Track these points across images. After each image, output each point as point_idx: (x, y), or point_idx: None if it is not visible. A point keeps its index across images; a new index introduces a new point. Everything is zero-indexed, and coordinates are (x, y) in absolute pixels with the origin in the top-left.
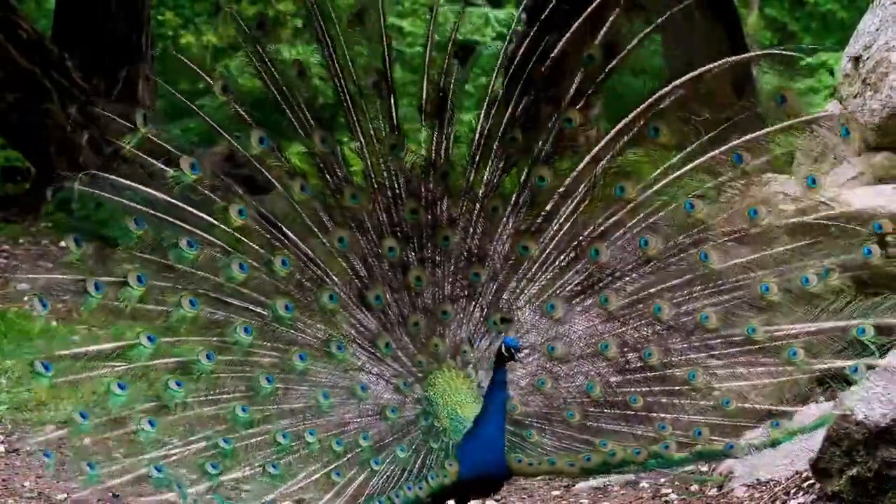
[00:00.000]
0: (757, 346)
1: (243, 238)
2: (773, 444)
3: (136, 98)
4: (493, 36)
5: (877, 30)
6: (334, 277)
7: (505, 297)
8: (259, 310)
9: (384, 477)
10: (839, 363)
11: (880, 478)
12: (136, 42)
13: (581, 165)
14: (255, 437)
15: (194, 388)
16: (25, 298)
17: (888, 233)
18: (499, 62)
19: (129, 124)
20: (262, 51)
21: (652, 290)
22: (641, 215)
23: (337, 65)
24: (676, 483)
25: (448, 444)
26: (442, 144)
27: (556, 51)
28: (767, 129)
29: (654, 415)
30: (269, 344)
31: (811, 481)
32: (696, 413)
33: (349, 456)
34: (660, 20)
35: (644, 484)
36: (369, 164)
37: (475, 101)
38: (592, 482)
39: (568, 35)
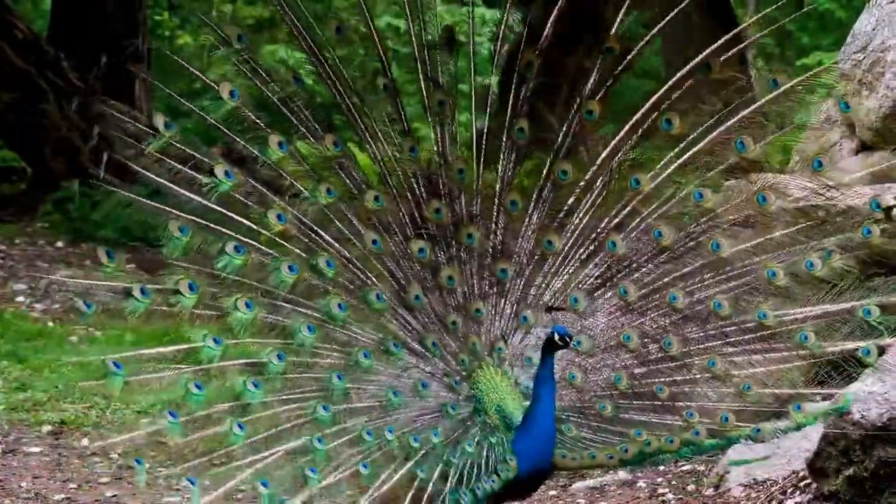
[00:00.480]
0: (769, 332)
1: (284, 243)
2: (798, 427)
3: (133, 99)
4: (489, 36)
5: (873, 29)
6: (374, 279)
7: (532, 292)
8: (312, 312)
9: (459, 471)
10: (850, 345)
11: (877, 477)
12: (133, 43)
13: (600, 158)
14: (343, 436)
15: (271, 388)
16: (20, 299)
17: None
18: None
19: (146, 128)
20: (250, 60)
21: (666, 280)
22: (654, 205)
23: (329, 69)
24: (673, 483)
25: (503, 440)
26: (445, 140)
27: (547, 29)
28: (768, 97)
29: (681, 403)
30: (330, 345)
31: (808, 481)
32: (720, 400)
33: (424, 452)
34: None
35: (641, 483)
36: (384, 167)
37: (477, 100)
38: (589, 482)
39: (555, 13)
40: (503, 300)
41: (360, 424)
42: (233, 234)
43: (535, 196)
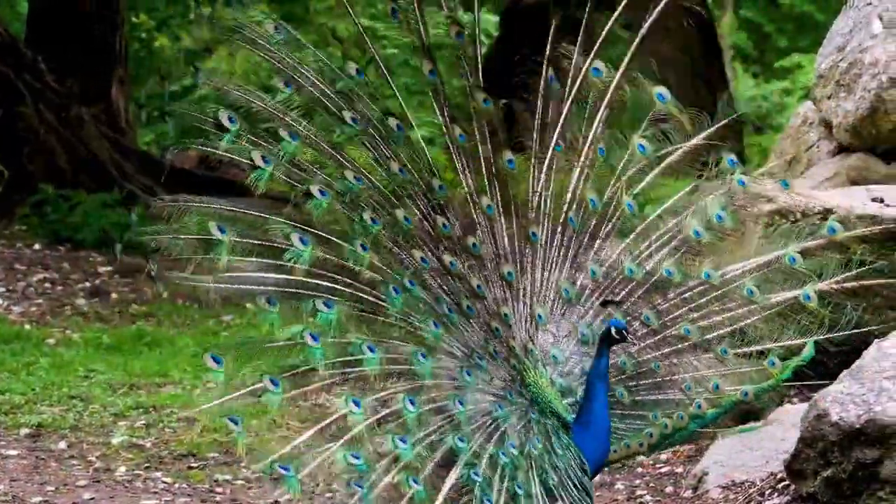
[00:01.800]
0: (719, 292)
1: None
2: (777, 383)
3: (110, 100)
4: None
5: (850, 31)
6: (441, 294)
7: (532, 288)
8: (406, 344)
9: (565, 480)
10: (790, 294)
11: (855, 479)
12: (111, 45)
13: (553, 140)
14: (481, 462)
15: (414, 438)
16: (5, 303)
17: None
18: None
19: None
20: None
21: (615, 254)
22: (581, 171)
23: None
24: (651, 485)
25: (568, 442)
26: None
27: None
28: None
29: (677, 377)
30: (441, 369)
31: (786, 482)
32: (705, 367)
33: (537, 462)
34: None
35: (619, 486)
36: (383, 188)
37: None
38: None
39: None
40: (518, 301)
41: (480, 446)
42: (317, 291)
43: (492, 192)
